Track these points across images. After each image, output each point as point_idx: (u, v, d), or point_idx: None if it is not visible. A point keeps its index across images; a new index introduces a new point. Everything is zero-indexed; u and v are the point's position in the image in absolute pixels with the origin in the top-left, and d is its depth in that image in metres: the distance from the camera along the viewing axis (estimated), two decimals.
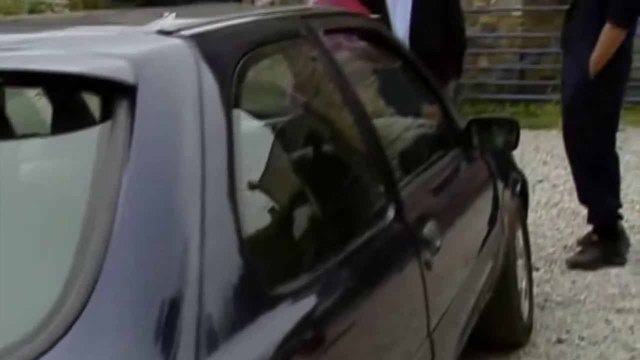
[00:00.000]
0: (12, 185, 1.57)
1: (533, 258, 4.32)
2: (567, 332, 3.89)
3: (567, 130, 4.72)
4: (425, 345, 2.28)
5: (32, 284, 1.38)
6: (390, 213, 2.27)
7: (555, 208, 5.79)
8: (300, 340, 1.62)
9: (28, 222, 1.49)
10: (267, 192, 1.90)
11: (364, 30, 3.02)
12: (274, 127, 2.14)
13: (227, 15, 2.19)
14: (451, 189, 3.03)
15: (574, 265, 4.66)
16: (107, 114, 1.51)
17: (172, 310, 1.35)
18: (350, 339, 1.81)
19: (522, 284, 3.83)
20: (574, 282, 4.47)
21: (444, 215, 2.72)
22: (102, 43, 1.77)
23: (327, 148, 2.44)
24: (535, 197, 5.77)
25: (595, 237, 4.79)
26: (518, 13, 10.27)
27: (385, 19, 4.27)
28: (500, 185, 3.54)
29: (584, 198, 4.79)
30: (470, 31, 8.31)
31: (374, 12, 4.00)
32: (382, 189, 2.35)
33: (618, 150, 4.77)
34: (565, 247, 5.00)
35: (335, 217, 2.14)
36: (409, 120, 3.17)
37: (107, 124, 1.50)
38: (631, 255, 4.73)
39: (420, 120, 3.27)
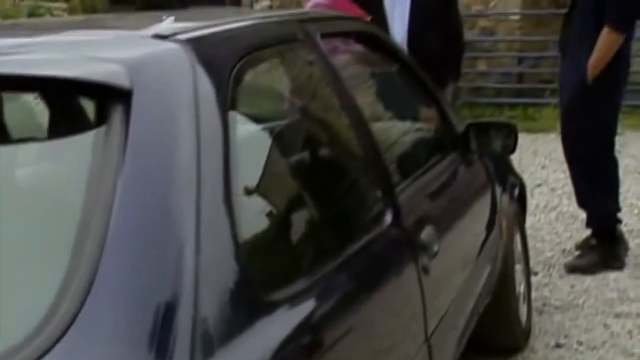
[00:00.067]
0: (7, 189, 1.57)
1: (531, 262, 4.31)
2: (566, 336, 3.88)
3: (566, 134, 4.72)
4: (423, 350, 2.28)
5: (27, 288, 1.38)
6: (388, 217, 2.26)
7: (553, 212, 5.78)
8: (296, 346, 1.61)
9: (23, 226, 1.48)
10: (263, 196, 1.90)
11: (361, 34, 3.02)
12: (270, 132, 2.14)
13: (224, 19, 2.18)
14: (449, 193, 3.03)
15: (572, 269, 4.65)
16: (103, 118, 1.51)
17: (167, 315, 1.34)
18: (347, 344, 1.80)
19: (521, 288, 3.82)
20: (572, 286, 4.47)
21: (442, 220, 2.71)
22: (97, 47, 1.77)
23: (323, 152, 2.43)
24: (533, 201, 5.77)
25: (593, 241, 4.78)
26: (516, 17, 10.30)
27: (383, 23, 4.27)
28: (498, 190, 3.53)
29: (582, 202, 4.79)
30: (469, 35, 8.34)
31: (371, 15, 3.99)
32: (379, 193, 2.35)
33: (617, 154, 4.76)
34: (563, 251, 5.00)
35: (332, 222, 2.13)
36: (406, 125, 3.16)
37: (102, 128, 1.50)
38: (630, 260, 4.73)
39: (418, 125, 3.26)
